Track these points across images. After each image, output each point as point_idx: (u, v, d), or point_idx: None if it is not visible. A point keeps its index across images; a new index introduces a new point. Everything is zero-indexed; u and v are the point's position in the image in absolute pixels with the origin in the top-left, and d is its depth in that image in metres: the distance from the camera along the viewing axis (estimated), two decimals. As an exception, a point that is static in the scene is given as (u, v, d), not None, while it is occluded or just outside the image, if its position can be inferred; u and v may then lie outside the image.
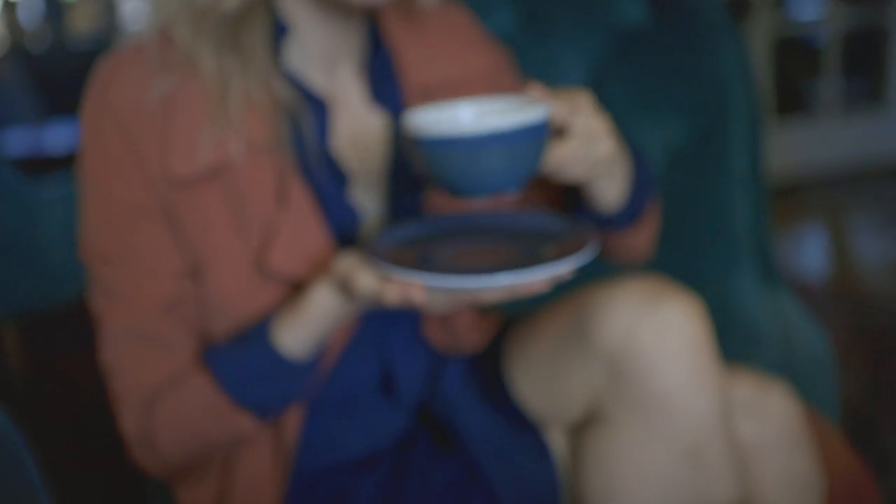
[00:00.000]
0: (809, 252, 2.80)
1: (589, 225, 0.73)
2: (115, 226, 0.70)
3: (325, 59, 0.75)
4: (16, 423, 0.62)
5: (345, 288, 0.64)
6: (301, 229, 0.70)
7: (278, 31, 0.72)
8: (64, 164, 2.42)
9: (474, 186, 0.61)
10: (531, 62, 1.09)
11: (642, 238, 0.80)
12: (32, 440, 0.64)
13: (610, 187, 0.71)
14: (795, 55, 3.45)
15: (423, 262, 0.63)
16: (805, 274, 2.56)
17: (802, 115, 3.43)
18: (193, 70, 0.69)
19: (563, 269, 0.59)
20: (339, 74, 0.77)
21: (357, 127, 0.76)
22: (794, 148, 3.31)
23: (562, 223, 0.68)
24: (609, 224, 0.75)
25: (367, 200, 0.76)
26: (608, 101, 0.82)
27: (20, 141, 2.83)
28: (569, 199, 0.77)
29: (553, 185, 0.81)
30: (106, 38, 3.89)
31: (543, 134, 0.62)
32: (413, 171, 0.75)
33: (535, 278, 0.58)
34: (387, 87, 0.77)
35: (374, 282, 0.61)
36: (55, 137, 2.89)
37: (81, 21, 4.20)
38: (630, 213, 0.75)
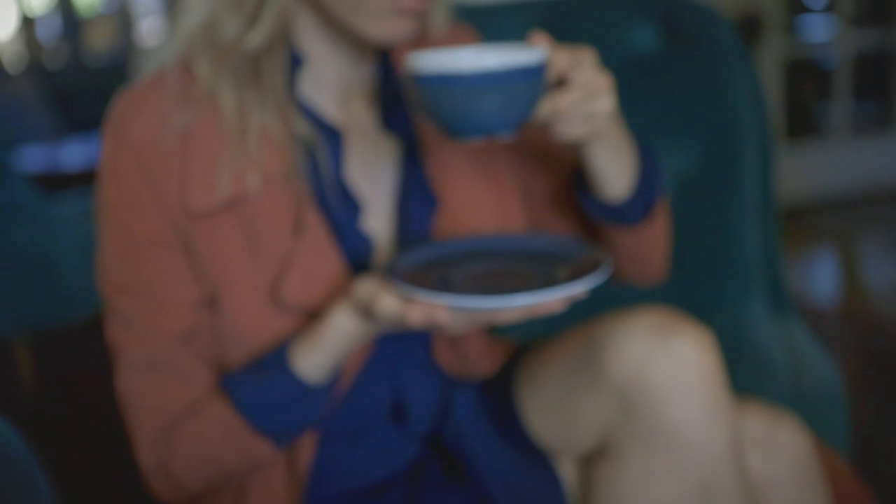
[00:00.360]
0: (819, 276, 2.78)
1: (602, 247, 0.73)
2: (132, 257, 0.70)
3: (338, 88, 0.76)
4: (27, 440, 0.63)
5: (365, 311, 0.65)
6: (316, 259, 0.71)
7: (293, 63, 0.73)
8: (80, 181, 2.44)
9: (468, 127, 0.61)
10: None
11: (656, 242, 0.79)
12: (43, 456, 0.64)
13: (614, 164, 0.70)
14: (806, 77, 3.45)
15: (443, 284, 0.64)
16: (815, 298, 2.55)
17: (813, 138, 3.42)
18: (212, 104, 0.70)
19: (580, 289, 0.60)
20: (351, 103, 0.78)
21: (369, 154, 0.77)
22: (804, 171, 3.30)
23: (574, 245, 0.69)
24: (620, 217, 0.74)
25: (378, 227, 0.76)
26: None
27: (36, 157, 2.85)
28: (580, 191, 0.76)
29: (566, 198, 0.81)
30: (123, 55, 3.94)
31: (540, 78, 0.61)
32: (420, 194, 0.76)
33: (553, 298, 0.60)
34: (397, 114, 0.78)
35: (397, 304, 0.62)
36: (71, 154, 2.91)
37: (98, 38, 4.24)
38: (640, 204, 0.74)
